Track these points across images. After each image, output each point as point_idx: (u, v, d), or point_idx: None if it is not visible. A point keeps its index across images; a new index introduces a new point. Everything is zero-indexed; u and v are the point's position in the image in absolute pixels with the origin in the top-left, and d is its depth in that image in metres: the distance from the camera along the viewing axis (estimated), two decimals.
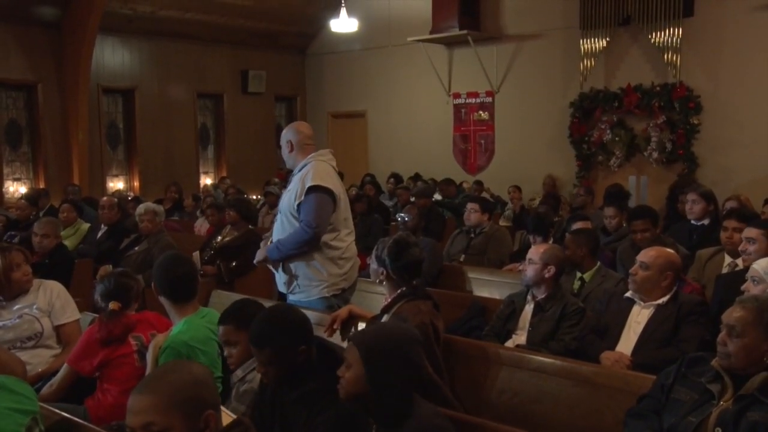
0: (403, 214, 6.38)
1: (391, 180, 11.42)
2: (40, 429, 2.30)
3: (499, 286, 5.48)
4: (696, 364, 2.73)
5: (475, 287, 5.70)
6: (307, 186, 4.19)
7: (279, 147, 4.58)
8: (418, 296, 3.67)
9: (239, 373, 3.03)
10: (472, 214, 6.49)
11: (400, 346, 2.46)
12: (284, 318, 2.74)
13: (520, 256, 5.73)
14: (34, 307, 3.92)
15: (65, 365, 3.56)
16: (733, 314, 2.61)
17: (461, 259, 6.38)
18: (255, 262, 4.55)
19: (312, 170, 4.25)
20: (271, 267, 4.48)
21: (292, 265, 4.34)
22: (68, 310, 3.99)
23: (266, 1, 12.66)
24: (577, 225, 5.83)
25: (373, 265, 3.78)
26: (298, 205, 4.22)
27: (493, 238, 6.49)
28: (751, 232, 4.21)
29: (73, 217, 7.58)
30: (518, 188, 10.48)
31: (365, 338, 2.49)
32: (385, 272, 3.70)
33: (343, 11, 11.34)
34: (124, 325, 3.50)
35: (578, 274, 4.83)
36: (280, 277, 4.43)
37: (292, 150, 4.39)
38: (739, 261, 4.48)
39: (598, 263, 4.88)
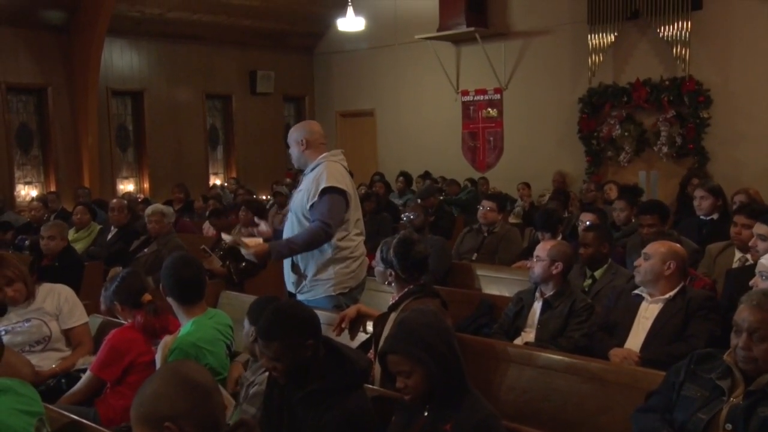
0: (408, 213, 6.36)
1: (401, 179, 11.40)
2: (47, 430, 2.32)
3: (508, 284, 5.45)
4: (705, 360, 2.70)
5: (484, 285, 5.68)
6: (321, 187, 4.18)
7: (287, 146, 4.54)
8: (425, 294, 3.68)
9: (248, 375, 3.03)
10: (489, 213, 6.42)
11: (433, 330, 2.53)
12: (293, 312, 2.76)
13: (529, 252, 5.70)
14: (42, 311, 3.93)
15: (89, 373, 3.50)
16: (750, 317, 2.50)
17: (473, 258, 6.34)
18: (255, 259, 4.36)
19: (326, 171, 4.24)
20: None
21: (301, 265, 4.34)
22: (76, 314, 4.01)
23: (273, 2, 12.66)
24: (586, 217, 5.80)
25: (379, 267, 3.77)
26: (311, 206, 4.22)
27: (505, 238, 6.43)
28: (762, 228, 4.07)
29: (87, 219, 7.62)
30: (527, 185, 10.45)
31: (406, 343, 2.49)
32: (393, 273, 3.71)
33: (350, 10, 11.32)
34: (165, 320, 3.52)
35: (588, 272, 4.80)
36: (289, 277, 4.43)
37: (306, 148, 4.35)
38: (750, 255, 4.41)
39: (609, 260, 4.85)
